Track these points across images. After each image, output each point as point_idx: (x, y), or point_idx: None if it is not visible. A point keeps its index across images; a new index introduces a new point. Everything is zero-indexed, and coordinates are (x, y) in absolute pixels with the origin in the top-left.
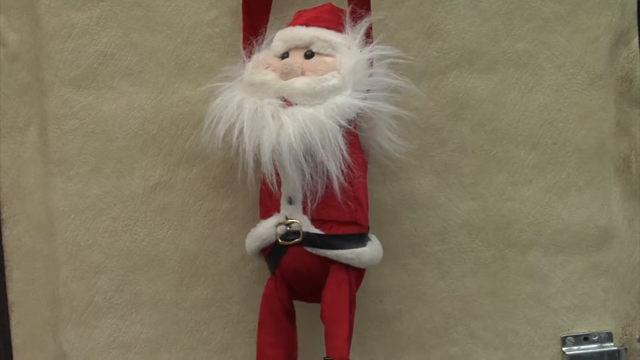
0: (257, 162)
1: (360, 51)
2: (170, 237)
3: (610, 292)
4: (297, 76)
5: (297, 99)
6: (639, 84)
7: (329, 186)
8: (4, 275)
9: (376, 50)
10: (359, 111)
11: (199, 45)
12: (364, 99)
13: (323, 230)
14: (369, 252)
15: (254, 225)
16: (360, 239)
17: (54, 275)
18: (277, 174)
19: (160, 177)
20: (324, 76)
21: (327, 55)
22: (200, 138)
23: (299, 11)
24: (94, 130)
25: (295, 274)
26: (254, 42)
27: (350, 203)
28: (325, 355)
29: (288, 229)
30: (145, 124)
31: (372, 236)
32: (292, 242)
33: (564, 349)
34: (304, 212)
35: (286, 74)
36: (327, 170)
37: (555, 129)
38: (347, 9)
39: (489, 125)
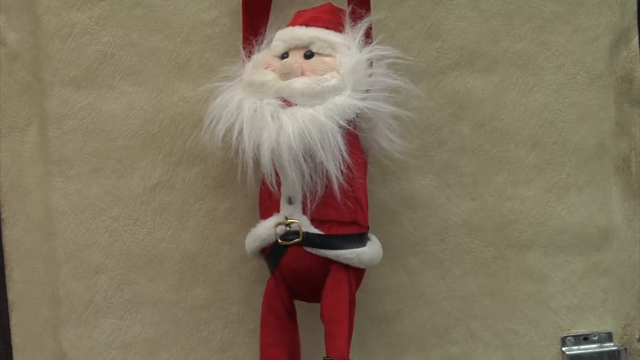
0: (257, 163)
1: (360, 51)
2: (170, 237)
3: (610, 292)
4: (297, 76)
5: (297, 99)
6: (639, 84)
7: (328, 186)
8: (3, 275)
9: (376, 50)
10: (359, 111)
11: (199, 45)
12: (364, 99)
13: (323, 230)
14: (368, 252)
15: (254, 225)
16: (360, 239)
17: (54, 275)
18: (277, 174)
19: (160, 177)
20: (324, 76)
21: (327, 55)
22: (200, 138)
23: (299, 11)
24: (94, 130)
25: (295, 274)
26: (253, 42)
27: (349, 203)
28: (325, 355)
29: (288, 229)
30: (145, 123)
31: (372, 236)
32: (291, 242)
33: (563, 349)
34: (304, 212)
35: (286, 74)
36: (327, 171)
37: (555, 128)
38: (347, 9)
39: (489, 125)
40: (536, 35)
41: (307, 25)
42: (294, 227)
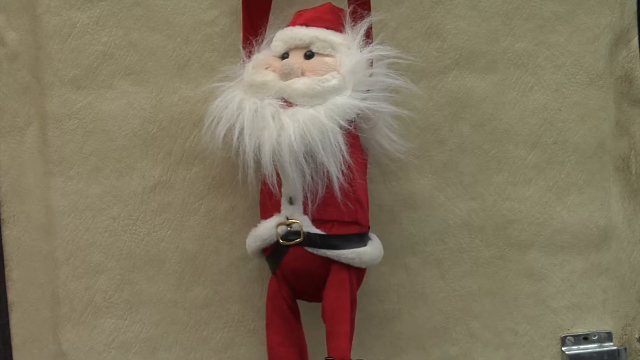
0: (257, 163)
1: (360, 51)
2: (170, 236)
3: (609, 291)
4: (298, 77)
5: (298, 99)
6: (638, 84)
7: (329, 186)
8: (3, 274)
9: (376, 50)
10: (359, 112)
11: (199, 44)
12: (364, 99)
13: (324, 230)
14: (370, 251)
15: (254, 225)
16: (360, 239)
17: (54, 275)
18: (277, 175)
19: (160, 177)
20: (324, 77)
21: (327, 55)
22: (200, 138)
23: (299, 11)
24: (94, 130)
25: (296, 273)
26: (253, 42)
27: (350, 203)
28: (326, 355)
29: (289, 229)
30: (145, 123)
31: (372, 235)
32: (292, 242)
33: (563, 348)
34: (305, 212)
35: (286, 75)
36: (328, 171)
37: (555, 128)
38: (348, 9)
39: (489, 124)
40: (536, 35)
41: (307, 25)
42: (295, 227)
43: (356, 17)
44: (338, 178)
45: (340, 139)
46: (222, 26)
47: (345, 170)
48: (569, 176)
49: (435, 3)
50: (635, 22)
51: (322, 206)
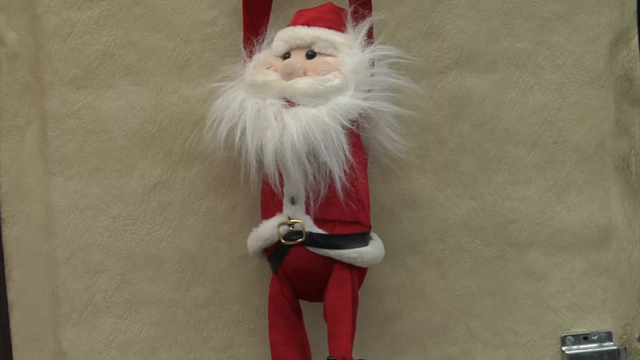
0: (259, 163)
1: (362, 51)
2: (169, 236)
3: (609, 291)
4: (300, 76)
5: (300, 99)
6: (638, 84)
7: (331, 186)
8: (3, 274)
9: (378, 50)
10: (362, 111)
11: (199, 44)
12: (366, 99)
13: (326, 230)
14: (371, 251)
15: (254, 225)
16: (362, 239)
17: (54, 275)
18: (280, 174)
19: (160, 177)
20: (327, 76)
21: (329, 55)
22: (200, 137)
23: (300, 11)
24: (94, 130)
25: (298, 273)
26: (254, 41)
27: (352, 203)
28: (327, 354)
29: (291, 229)
30: (144, 123)
31: (373, 235)
32: (295, 242)
33: (563, 348)
34: (307, 212)
35: (288, 74)
36: (330, 171)
37: (555, 128)
38: (349, 9)
39: (489, 124)
40: (536, 34)
41: (308, 25)
42: (297, 227)
43: (357, 16)
44: (340, 178)
45: (343, 139)
46: (222, 26)
47: (347, 170)
48: (569, 176)
49: (435, 3)
50: (635, 21)
51: (325, 206)
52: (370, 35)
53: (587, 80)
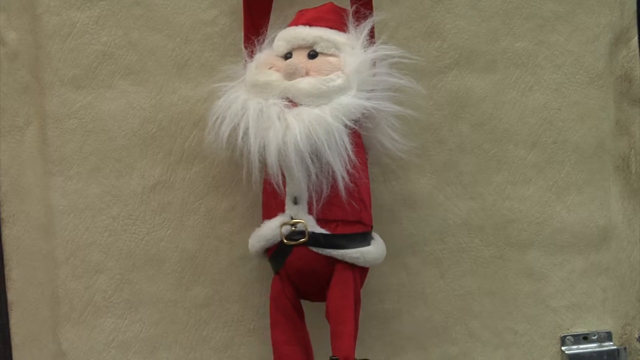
0: (262, 163)
1: (364, 51)
2: (169, 236)
3: (609, 291)
4: (302, 76)
5: (303, 99)
6: (638, 83)
7: (334, 186)
8: (3, 274)
9: (381, 50)
10: (365, 111)
11: (199, 44)
12: (369, 98)
13: (328, 230)
14: (373, 250)
15: (254, 225)
16: (364, 238)
17: (54, 275)
18: (282, 174)
19: (160, 177)
20: (329, 76)
21: (331, 55)
22: (199, 137)
23: (301, 10)
24: (94, 130)
25: (300, 273)
26: (255, 41)
27: (354, 203)
28: (329, 354)
29: (293, 229)
30: (144, 123)
31: (375, 235)
32: (297, 242)
33: (563, 348)
34: (309, 212)
35: (291, 74)
36: (333, 171)
37: (555, 128)
38: (351, 9)
39: (489, 124)
40: (536, 34)
41: (310, 25)
42: (299, 227)
43: (359, 16)
44: (343, 178)
45: (346, 139)
46: (222, 26)
47: (350, 170)
48: (568, 176)
49: (435, 2)
50: (634, 21)
51: (327, 206)
52: (371, 35)
53: (587, 80)
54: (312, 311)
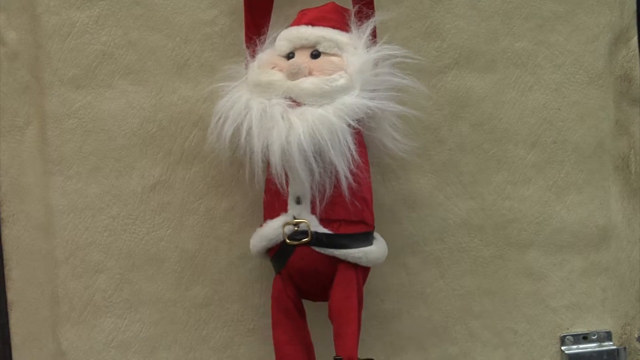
0: (264, 162)
1: (367, 51)
2: (169, 236)
3: (609, 291)
4: (305, 76)
5: (306, 99)
6: (638, 83)
7: (337, 186)
8: (3, 274)
9: (384, 50)
10: (369, 111)
11: (198, 44)
12: (372, 98)
13: (331, 229)
14: (376, 250)
15: (253, 224)
16: (367, 238)
17: (53, 274)
18: (285, 174)
19: (160, 176)
20: (332, 76)
21: (334, 55)
22: (199, 137)
23: (302, 10)
24: (93, 129)
25: (303, 273)
26: (257, 41)
27: (357, 202)
28: (329, 353)
29: (296, 228)
30: (144, 123)
31: (376, 234)
32: (300, 242)
33: (563, 348)
34: (312, 211)
35: (294, 74)
36: (336, 170)
37: (555, 127)
38: (353, 9)
39: (488, 124)
40: (535, 34)
41: (312, 24)
42: (302, 227)
43: (362, 16)
44: (347, 177)
45: (349, 139)
46: (222, 26)
47: (353, 170)
48: (568, 175)
49: (435, 2)
50: (634, 21)
51: (330, 205)
52: (373, 35)
53: (587, 80)
54: (314, 311)
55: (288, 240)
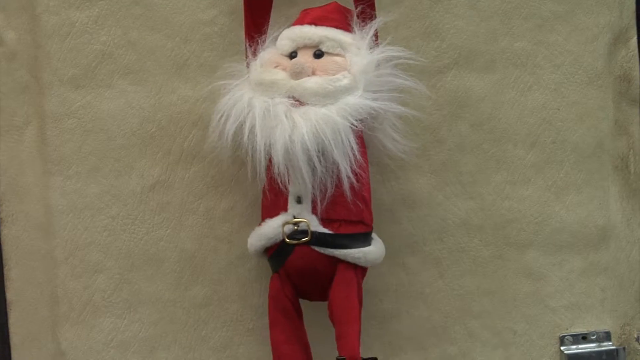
0: (266, 161)
1: (370, 51)
2: (168, 235)
3: (608, 291)
4: (308, 76)
5: (309, 98)
6: (637, 83)
7: (338, 186)
8: (2, 274)
9: (387, 51)
10: (372, 112)
11: (198, 44)
12: (375, 99)
13: (331, 229)
14: (374, 251)
15: (253, 224)
16: (366, 238)
17: (53, 274)
18: (287, 173)
19: (159, 176)
20: (336, 76)
21: (337, 54)
22: (198, 137)
23: (305, 10)
24: (93, 129)
25: (301, 273)
26: (257, 40)
27: (357, 202)
28: (329, 353)
29: (296, 228)
30: (143, 123)
31: (374, 235)
32: (300, 241)
33: (562, 348)
34: (313, 211)
35: (297, 74)
36: (338, 170)
37: (554, 127)
38: (356, 10)
39: (488, 124)
40: (535, 34)
41: (315, 24)
42: (302, 226)
43: (365, 17)
44: (349, 177)
45: (352, 138)
46: (221, 25)
47: (355, 169)
48: (567, 175)
49: (434, 3)
50: (633, 21)
51: (331, 205)
52: (375, 35)
53: (586, 80)
54: (311, 310)
55: (287, 240)
